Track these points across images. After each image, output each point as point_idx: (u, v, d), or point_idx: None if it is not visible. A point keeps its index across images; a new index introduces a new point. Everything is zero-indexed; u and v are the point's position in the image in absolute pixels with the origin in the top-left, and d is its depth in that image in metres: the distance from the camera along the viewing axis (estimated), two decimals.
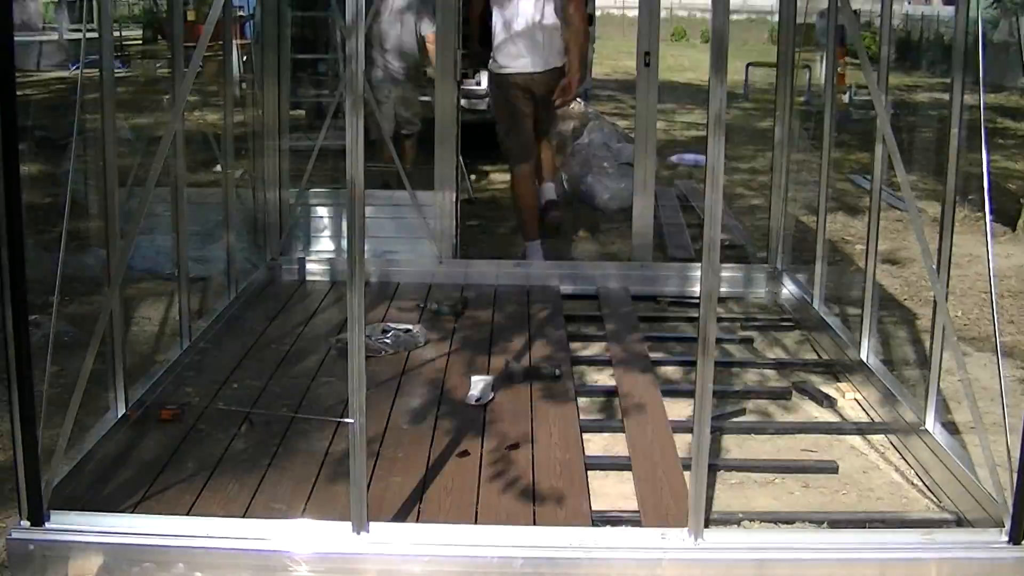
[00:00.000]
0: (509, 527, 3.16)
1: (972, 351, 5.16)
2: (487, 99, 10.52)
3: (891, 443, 4.16)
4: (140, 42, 19.28)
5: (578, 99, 10.46)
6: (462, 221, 6.36)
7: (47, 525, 3.01)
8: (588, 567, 3.00)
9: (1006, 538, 3.04)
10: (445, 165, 6.09)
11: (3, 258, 2.79)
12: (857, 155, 10.41)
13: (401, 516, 3.25)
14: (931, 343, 3.75)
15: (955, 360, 3.57)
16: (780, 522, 3.45)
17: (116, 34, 8.14)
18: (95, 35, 3.68)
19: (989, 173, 3.47)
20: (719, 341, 4.90)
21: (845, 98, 13.18)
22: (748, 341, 5.33)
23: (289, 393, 4.27)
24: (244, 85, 6.84)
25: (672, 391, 4.42)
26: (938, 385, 3.81)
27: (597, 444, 3.97)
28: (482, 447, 3.78)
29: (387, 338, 4.82)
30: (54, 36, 19.98)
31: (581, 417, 4.11)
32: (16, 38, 2.83)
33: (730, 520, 3.43)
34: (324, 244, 6.35)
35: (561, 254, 6.95)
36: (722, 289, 5.65)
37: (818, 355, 5.11)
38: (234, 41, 5.77)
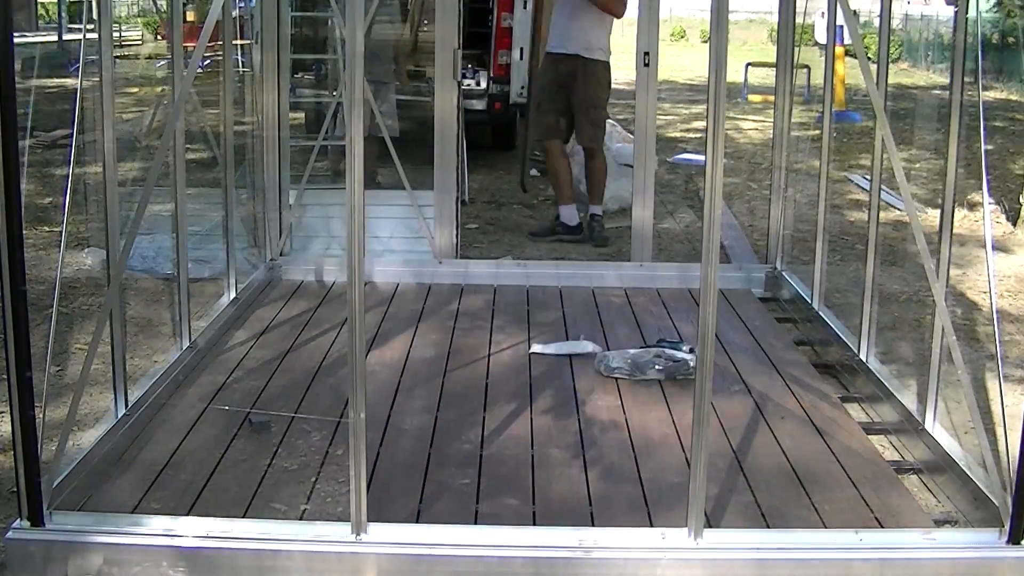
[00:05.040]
0: (509, 527, 3.16)
1: (972, 351, 5.16)
2: (486, 99, 10.59)
3: (891, 443, 4.16)
4: (139, 42, 19.31)
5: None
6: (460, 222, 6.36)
7: (47, 525, 3.01)
8: (588, 567, 3.00)
9: (1005, 538, 3.04)
10: (445, 165, 6.09)
11: (3, 258, 2.79)
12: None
13: (400, 517, 3.25)
14: (931, 343, 3.76)
15: (955, 360, 3.57)
16: None
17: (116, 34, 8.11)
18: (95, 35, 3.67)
19: (988, 170, 3.47)
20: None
21: None
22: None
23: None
24: (243, 85, 6.85)
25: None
26: (938, 385, 3.81)
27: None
28: (482, 447, 3.78)
29: (659, 365, 4.47)
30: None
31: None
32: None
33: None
34: (323, 244, 6.35)
35: (560, 254, 6.97)
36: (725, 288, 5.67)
37: (818, 355, 5.11)
38: (234, 41, 5.75)
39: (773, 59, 6.17)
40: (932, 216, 4.32)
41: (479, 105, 10.35)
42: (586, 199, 7.48)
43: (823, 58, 6.39)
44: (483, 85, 10.51)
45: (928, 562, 3.04)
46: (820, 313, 5.25)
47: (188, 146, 4.60)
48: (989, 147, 11.52)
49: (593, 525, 3.23)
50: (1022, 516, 2.99)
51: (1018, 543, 3.02)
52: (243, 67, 6.73)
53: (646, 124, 6.09)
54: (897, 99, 15.64)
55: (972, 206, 7.96)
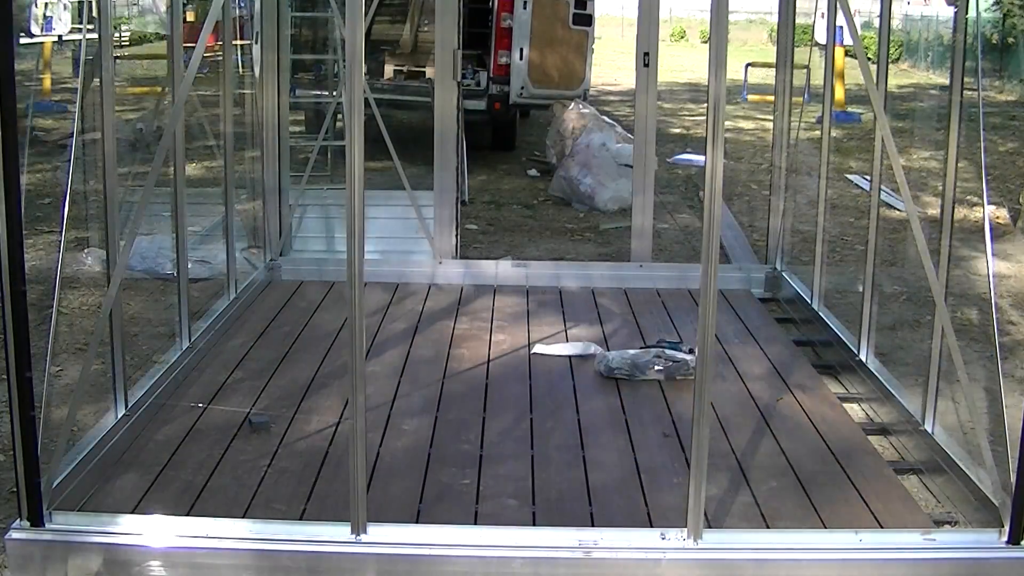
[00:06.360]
0: (508, 528, 3.16)
1: (972, 351, 5.16)
2: (486, 99, 10.60)
3: (891, 443, 4.16)
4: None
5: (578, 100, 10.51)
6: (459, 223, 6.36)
7: (47, 525, 3.01)
8: (588, 567, 3.00)
9: (1005, 539, 3.04)
10: (445, 165, 6.09)
11: (3, 258, 2.79)
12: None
13: (400, 517, 3.25)
14: (931, 343, 3.76)
15: (955, 360, 3.58)
16: None
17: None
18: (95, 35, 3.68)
19: (987, 169, 3.48)
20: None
21: None
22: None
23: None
24: (243, 85, 6.86)
25: None
26: (938, 385, 3.81)
27: None
28: (482, 447, 3.78)
29: (659, 365, 4.47)
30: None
31: None
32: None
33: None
34: (323, 244, 6.35)
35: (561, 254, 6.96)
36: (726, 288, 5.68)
37: (818, 355, 5.11)
38: (234, 41, 5.75)
39: (773, 59, 6.17)
40: (935, 215, 4.31)
41: (479, 105, 10.36)
42: (587, 199, 7.48)
43: (823, 58, 6.38)
44: (483, 85, 10.53)
45: (928, 562, 3.04)
46: (820, 313, 5.25)
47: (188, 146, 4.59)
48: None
49: (593, 525, 3.23)
50: (1022, 516, 2.99)
51: (1018, 543, 3.02)
52: (243, 67, 6.74)
53: (646, 124, 6.08)
54: (909, 99, 15.61)
55: (974, 206, 7.97)
